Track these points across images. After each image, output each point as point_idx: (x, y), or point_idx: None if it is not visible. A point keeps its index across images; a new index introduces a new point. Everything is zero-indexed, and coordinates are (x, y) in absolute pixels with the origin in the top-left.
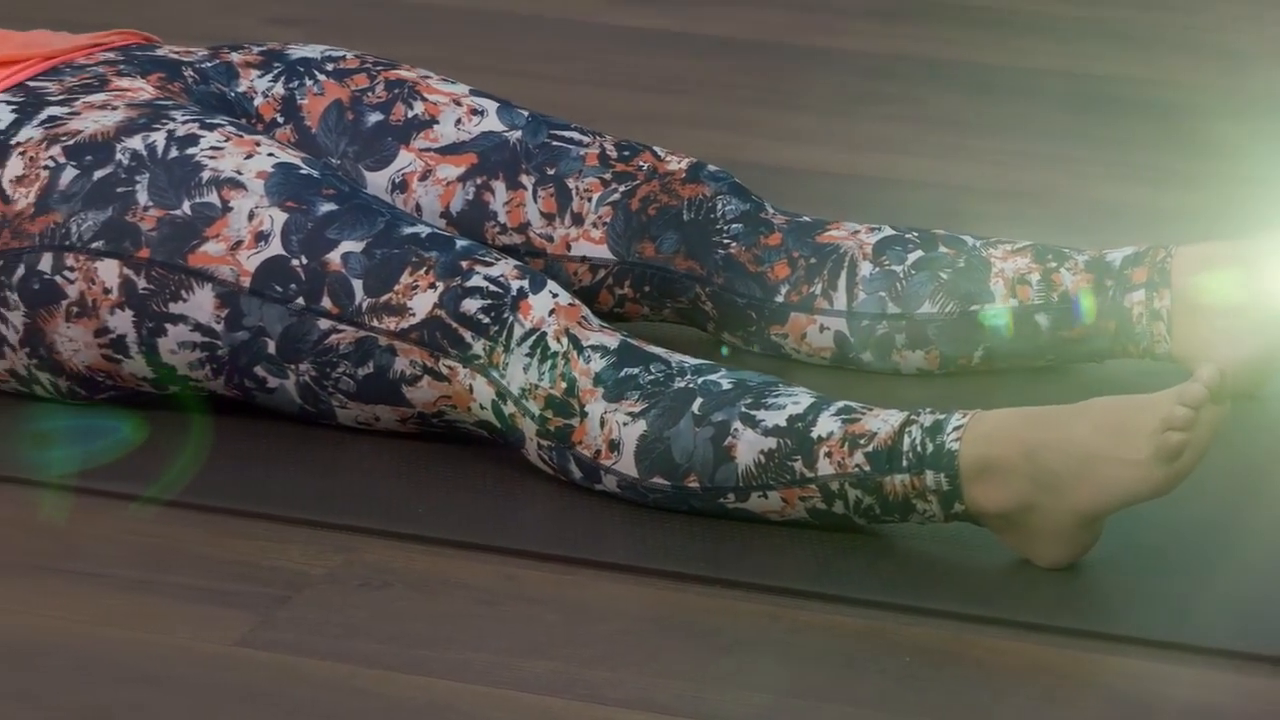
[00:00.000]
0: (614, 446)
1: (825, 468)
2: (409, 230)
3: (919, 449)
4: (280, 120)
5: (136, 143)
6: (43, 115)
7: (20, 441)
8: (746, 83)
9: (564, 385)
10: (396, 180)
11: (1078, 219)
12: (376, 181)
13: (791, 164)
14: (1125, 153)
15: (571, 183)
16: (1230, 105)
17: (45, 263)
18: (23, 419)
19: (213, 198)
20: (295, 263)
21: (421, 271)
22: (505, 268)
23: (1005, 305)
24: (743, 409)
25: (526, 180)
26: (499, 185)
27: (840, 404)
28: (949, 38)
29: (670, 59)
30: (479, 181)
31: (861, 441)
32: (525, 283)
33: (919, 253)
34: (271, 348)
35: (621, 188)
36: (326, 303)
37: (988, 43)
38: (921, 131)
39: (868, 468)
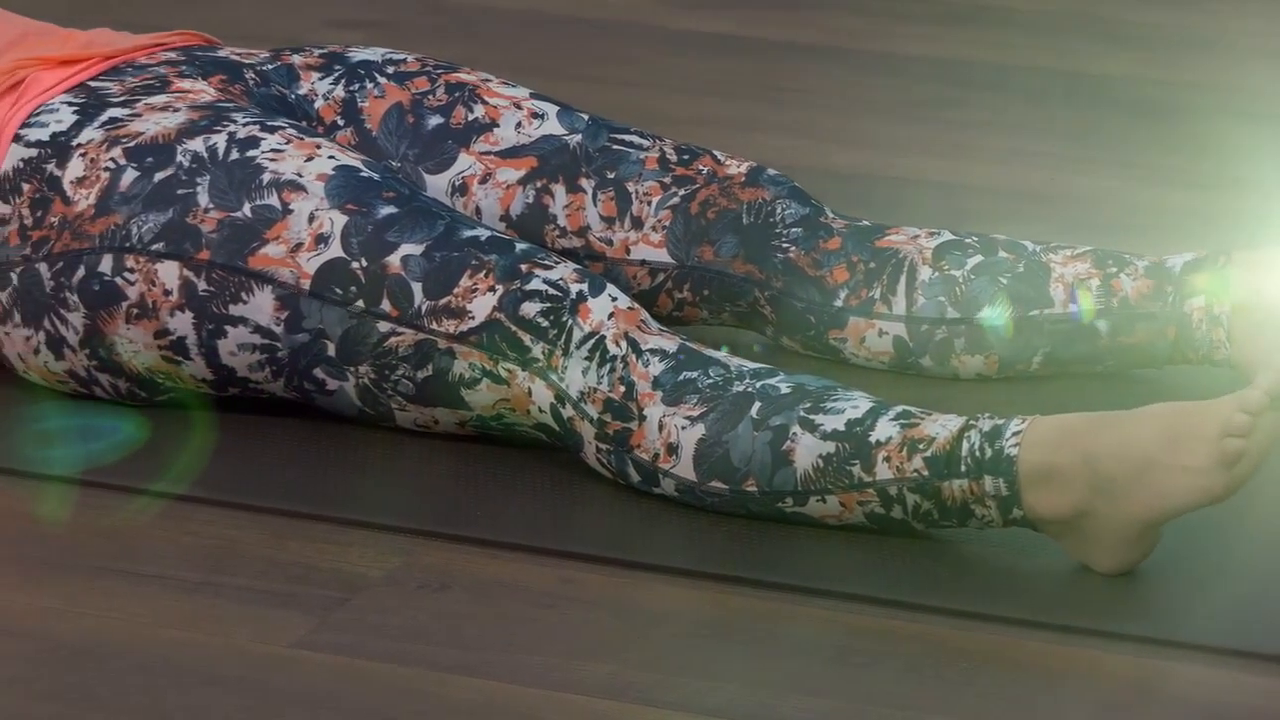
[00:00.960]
0: (672, 450)
1: (884, 472)
2: (469, 233)
3: (978, 454)
4: (341, 123)
5: (197, 144)
6: (104, 116)
7: (82, 444)
8: (804, 86)
9: (622, 389)
10: (456, 183)
11: (1128, 224)
12: (436, 184)
13: (848, 168)
14: (1186, 159)
15: (631, 186)
16: None
17: (105, 264)
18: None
19: (273, 200)
20: (355, 265)
21: (481, 274)
22: (565, 271)
23: (1064, 310)
24: (801, 413)
25: (586, 184)
26: (559, 189)
27: (899, 409)
28: (1010, 42)
29: (728, 62)
30: (539, 185)
31: (920, 446)
32: (584, 286)
33: (978, 257)
34: (331, 350)
35: (681, 191)
36: (386, 305)
37: (1050, 47)
38: (982, 136)
39: (926, 473)
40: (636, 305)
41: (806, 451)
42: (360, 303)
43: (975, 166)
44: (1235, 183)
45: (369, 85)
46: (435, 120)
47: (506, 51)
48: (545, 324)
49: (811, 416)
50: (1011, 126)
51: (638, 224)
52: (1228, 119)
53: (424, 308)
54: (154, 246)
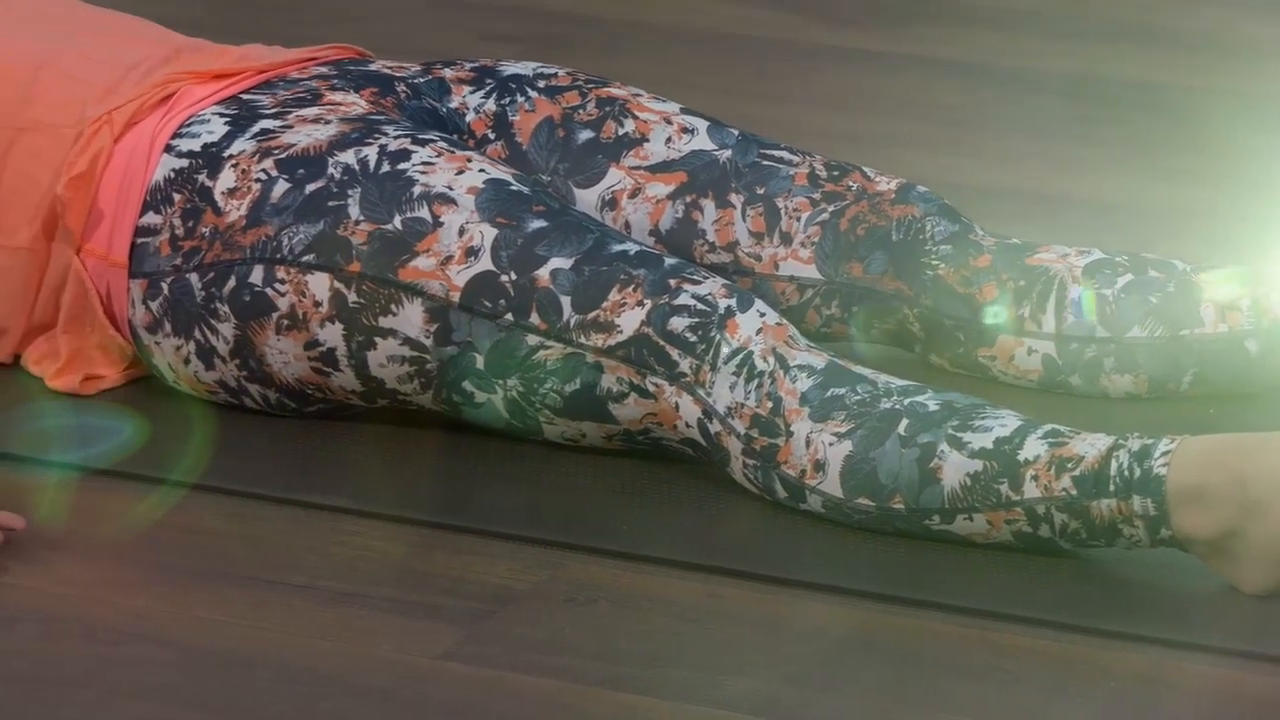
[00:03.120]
0: (819, 466)
1: (1031, 491)
2: (618, 248)
3: (1126, 474)
4: (492, 136)
5: (349, 157)
6: (256, 128)
7: (220, 452)
8: (953, 103)
9: (770, 404)
10: (606, 197)
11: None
12: (586, 199)
13: (997, 185)
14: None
15: (780, 202)
16: None
17: (256, 275)
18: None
19: (424, 213)
20: (504, 278)
21: (630, 289)
22: (713, 286)
23: (1214, 330)
24: (949, 431)
25: (735, 199)
26: (708, 204)
27: (1047, 427)
28: (1157, 60)
29: (876, 78)
30: (688, 200)
31: (1069, 465)
32: (733, 301)
33: (1128, 276)
34: (480, 363)
35: (830, 208)
36: (535, 319)
37: (1201, 67)
38: (1127, 154)
39: (1074, 492)
40: (784, 321)
41: (954, 469)
42: (509, 316)
43: (1122, 184)
44: None
45: (520, 99)
46: (586, 135)
47: (656, 66)
48: (693, 339)
49: (959, 434)
50: (1160, 144)
51: (787, 240)
52: None
53: (572, 321)
54: (305, 258)
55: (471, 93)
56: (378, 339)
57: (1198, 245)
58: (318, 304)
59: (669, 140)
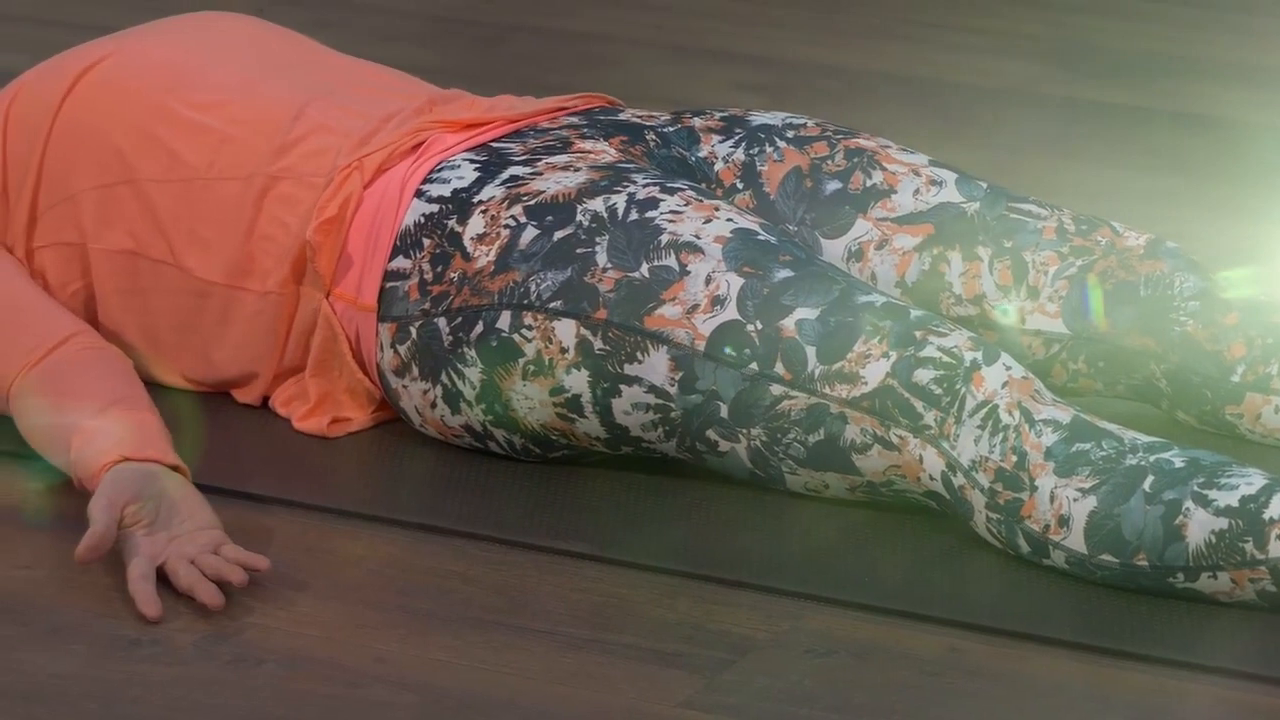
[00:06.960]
0: (1063, 522)
1: (1276, 550)
2: (864, 299)
3: None
4: (740, 186)
5: (597, 204)
6: (505, 174)
7: (464, 496)
8: (1202, 158)
9: (1014, 459)
10: (853, 248)
11: None
12: (833, 249)
13: (1246, 241)
14: None
15: (1028, 256)
16: None
17: (504, 321)
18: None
19: (671, 261)
20: (750, 328)
21: (875, 340)
22: (959, 339)
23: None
24: (1195, 488)
25: (983, 252)
26: (955, 256)
27: None
28: None
29: (1127, 132)
30: (935, 252)
31: None
32: (979, 354)
33: None
34: (724, 411)
35: (1079, 262)
36: (779, 369)
37: None
38: None
39: None
40: (1030, 375)
41: (1199, 527)
42: (754, 365)
43: None
44: None
45: (768, 149)
46: (833, 185)
47: (904, 118)
48: (938, 391)
49: (1205, 492)
50: None
51: (1034, 294)
52: None
53: (817, 372)
54: (552, 304)
55: (720, 142)
56: (623, 386)
57: None
58: (564, 350)
59: (917, 192)
